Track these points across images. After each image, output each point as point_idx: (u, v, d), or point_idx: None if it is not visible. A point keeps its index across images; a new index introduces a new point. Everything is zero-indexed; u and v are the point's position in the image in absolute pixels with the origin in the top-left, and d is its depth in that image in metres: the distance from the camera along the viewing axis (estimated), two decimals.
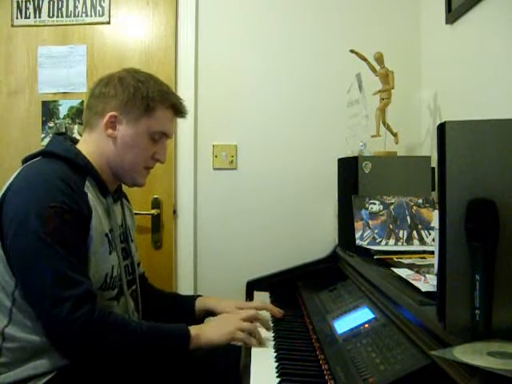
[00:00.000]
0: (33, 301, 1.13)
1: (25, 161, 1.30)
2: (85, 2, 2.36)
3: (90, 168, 1.28)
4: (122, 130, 1.31)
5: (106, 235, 1.28)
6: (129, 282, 1.38)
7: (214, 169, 2.31)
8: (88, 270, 1.19)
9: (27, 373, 1.14)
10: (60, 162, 1.23)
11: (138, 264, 1.56)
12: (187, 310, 1.53)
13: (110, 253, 1.29)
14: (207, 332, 1.24)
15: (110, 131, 1.31)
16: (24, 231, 1.12)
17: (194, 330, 1.23)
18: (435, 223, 0.97)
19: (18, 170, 1.25)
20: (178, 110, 1.38)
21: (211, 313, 1.52)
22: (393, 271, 1.27)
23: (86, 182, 1.25)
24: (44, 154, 1.27)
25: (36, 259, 1.11)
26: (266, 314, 1.49)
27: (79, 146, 1.33)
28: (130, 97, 1.30)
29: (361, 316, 1.28)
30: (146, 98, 1.30)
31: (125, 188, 1.51)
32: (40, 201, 1.14)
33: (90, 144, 1.33)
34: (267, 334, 1.36)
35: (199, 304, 1.53)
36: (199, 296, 1.59)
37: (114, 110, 1.30)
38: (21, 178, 1.21)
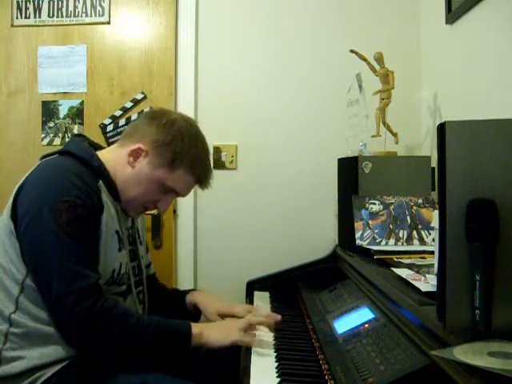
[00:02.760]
0: (41, 291, 1.17)
1: (42, 158, 1.33)
2: (85, 2, 2.36)
3: (102, 170, 1.31)
4: (141, 164, 1.33)
5: (117, 232, 1.30)
6: (136, 283, 1.40)
7: (214, 169, 2.30)
8: (97, 264, 1.22)
9: (33, 362, 1.16)
10: (75, 161, 1.27)
11: (149, 265, 1.60)
12: (179, 304, 1.56)
13: (120, 250, 1.31)
14: (210, 333, 1.25)
15: (131, 159, 1.33)
16: (37, 223, 1.16)
17: (196, 328, 1.24)
18: (435, 223, 0.97)
19: (35, 165, 1.29)
20: (201, 181, 1.39)
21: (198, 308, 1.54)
22: (393, 271, 1.27)
23: (100, 182, 1.28)
24: (60, 152, 1.31)
25: (46, 251, 1.15)
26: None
27: (101, 151, 1.37)
28: (165, 144, 1.31)
29: (361, 316, 1.28)
30: (176, 154, 1.31)
31: None
32: (54, 194, 1.18)
33: (111, 156, 1.36)
34: (267, 334, 1.36)
35: (189, 298, 1.56)
36: (193, 290, 1.63)
37: (145, 145, 1.32)
38: (37, 172, 1.25)
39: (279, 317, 1.35)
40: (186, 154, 1.32)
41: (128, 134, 1.39)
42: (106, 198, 1.27)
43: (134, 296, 1.36)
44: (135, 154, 1.33)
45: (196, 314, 1.55)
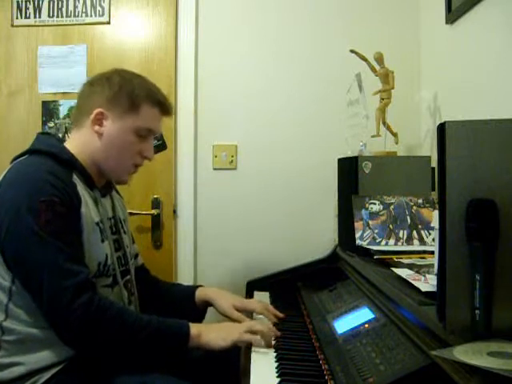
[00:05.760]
0: (32, 293, 1.15)
1: (13, 161, 1.31)
2: (85, 2, 2.36)
3: (74, 162, 1.30)
4: (108, 126, 1.33)
5: (97, 224, 1.29)
6: (122, 273, 1.39)
7: (214, 169, 2.31)
8: (84, 258, 1.21)
9: (30, 367, 1.15)
10: (46, 158, 1.25)
11: (137, 255, 1.58)
12: (188, 300, 1.54)
13: (103, 241, 1.30)
14: (209, 335, 1.24)
15: (96, 127, 1.33)
16: (17, 227, 1.14)
17: (195, 328, 1.23)
18: (435, 223, 0.97)
19: (6, 169, 1.27)
20: (164, 108, 1.40)
21: (211, 304, 1.53)
22: (393, 271, 1.27)
23: (74, 175, 1.27)
24: (30, 151, 1.29)
25: (32, 254, 1.13)
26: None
27: (65, 144, 1.35)
28: (116, 93, 1.33)
29: (361, 316, 1.28)
30: (130, 94, 1.33)
31: (124, 187, 1.51)
32: (30, 196, 1.16)
33: (77, 141, 1.35)
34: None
35: (200, 294, 1.55)
36: (200, 286, 1.61)
37: (101, 107, 1.32)
38: (9, 176, 1.23)
39: (278, 333, 1.35)
40: (139, 89, 1.34)
41: (78, 114, 1.38)
42: (82, 190, 1.27)
43: (120, 286, 1.35)
44: (98, 121, 1.32)
45: (203, 311, 1.55)
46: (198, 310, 1.53)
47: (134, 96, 1.33)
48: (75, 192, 1.23)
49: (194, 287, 1.60)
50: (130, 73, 1.40)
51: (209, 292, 1.55)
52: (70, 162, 1.28)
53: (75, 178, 1.27)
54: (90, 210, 1.27)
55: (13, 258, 1.16)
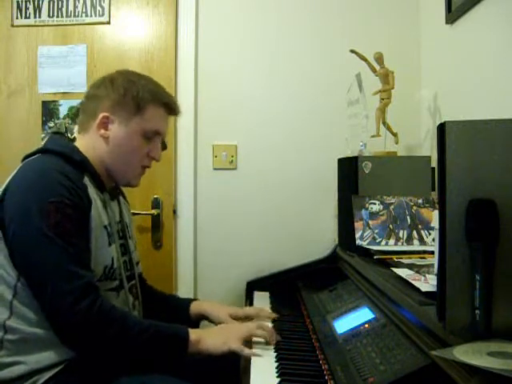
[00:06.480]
0: (36, 293, 1.15)
1: (24, 159, 1.31)
2: (85, 2, 2.36)
3: (86, 163, 1.29)
4: (114, 130, 1.32)
5: (105, 227, 1.29)
6: (128, 278, 1.39)
7: (214, 169, 2.31)
8: (90, 261, 1.21)
9: (30, 367, 1.15)
10: (58, 158, 1.25)
11: (138, 263, 1.57)
12: (182, 313, 1.54)
13: (110, 244, 1.30)
14: (208, 341, 1.24)
15: (102, 131, 1.32)
16: (26, 227, 1.15)
17: (194, 334, 1.23)
18: (435, 223, 0.97)
19: (17, 168, 1.27)
20: (171, 108, 1.39)
21: (206, 317, 1.53)
22: (393, 271, 1.27)
23: (85, 177, 1.27)
24: (41, 151, 1.29)
25: (39, 253, 1.13)
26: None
27: (76, 144, 1.35)
28: (121, 97, 1.32)
29: (361, 316, 1.29)
30: (136, 97, 1.32)
31: (125, 187, 1.51)
32: (40, 196, 1.16)
33: (84, 145, 1.34)
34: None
35: (194, 307, 1.54)
36: (195, 300, 1.60)
37: (106, 111, 1.32)
38: (20, 175, 1.23)
39: (279, 337, 1.34)
40: (144, 90, 1.33)
41: (84, 117, 1.37)
42: (93, 193, 1.26)
43: (126, 291, 1.35)
44: (103, 125, 1.32)
45: (196, 324, 1.54)
46: (192, 323, 1.52)
47: (139, 98, 1.32)
48: (86, 193, 1.23)
49: (189, 300, 1.59)
50: (134, 74, 1.39)
51: (203, 305, 1.55)
52: (81, 164, 1.28)
53: (86, 180, 1.27)
54: (99, 213, 1.27)
55: (19, 256, 1.17)
